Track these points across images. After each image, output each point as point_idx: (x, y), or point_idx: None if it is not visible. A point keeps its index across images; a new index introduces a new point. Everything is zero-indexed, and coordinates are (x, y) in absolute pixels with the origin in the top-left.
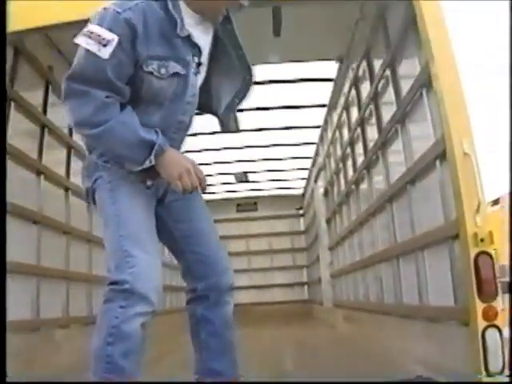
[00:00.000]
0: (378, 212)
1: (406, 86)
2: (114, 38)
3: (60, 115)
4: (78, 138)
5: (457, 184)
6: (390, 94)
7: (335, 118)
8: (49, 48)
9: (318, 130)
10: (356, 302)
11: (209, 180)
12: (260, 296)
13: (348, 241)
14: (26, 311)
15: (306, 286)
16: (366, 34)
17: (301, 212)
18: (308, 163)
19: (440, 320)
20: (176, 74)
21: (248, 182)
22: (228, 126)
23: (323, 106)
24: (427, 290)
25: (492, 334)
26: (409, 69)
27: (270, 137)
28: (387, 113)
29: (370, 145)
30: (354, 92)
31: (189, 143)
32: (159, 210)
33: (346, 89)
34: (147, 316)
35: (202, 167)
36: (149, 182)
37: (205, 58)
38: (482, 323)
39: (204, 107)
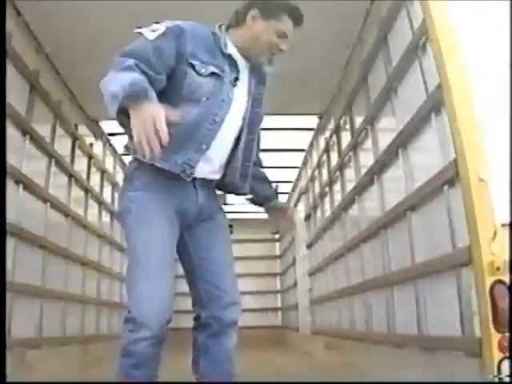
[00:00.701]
0: (370, 238)
1: (407, 110)
2: (161, 28)
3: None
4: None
5: (471, 211)
6: (388, 119)
7: (322, 141)
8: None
9: (300, 154)
10: (339, 330)
11: None
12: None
13: (332, 267)
14: None
15: (279, 312)
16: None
17: (277, 236)
18: (287, 187)
19: (441, 350)
20: (214, 74)
21: (225, 204)
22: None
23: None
24: (426, 318)
25: (507, 365)
26: (413, 93)
27: None
28: (384, 137)
29: (363, 170)
30: (347, 116)
31: None
32: (186, 235)
33: (336, 114)
34: (150, 340)
35: None
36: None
37: (245, 83)
38: (497, 354)
39: None
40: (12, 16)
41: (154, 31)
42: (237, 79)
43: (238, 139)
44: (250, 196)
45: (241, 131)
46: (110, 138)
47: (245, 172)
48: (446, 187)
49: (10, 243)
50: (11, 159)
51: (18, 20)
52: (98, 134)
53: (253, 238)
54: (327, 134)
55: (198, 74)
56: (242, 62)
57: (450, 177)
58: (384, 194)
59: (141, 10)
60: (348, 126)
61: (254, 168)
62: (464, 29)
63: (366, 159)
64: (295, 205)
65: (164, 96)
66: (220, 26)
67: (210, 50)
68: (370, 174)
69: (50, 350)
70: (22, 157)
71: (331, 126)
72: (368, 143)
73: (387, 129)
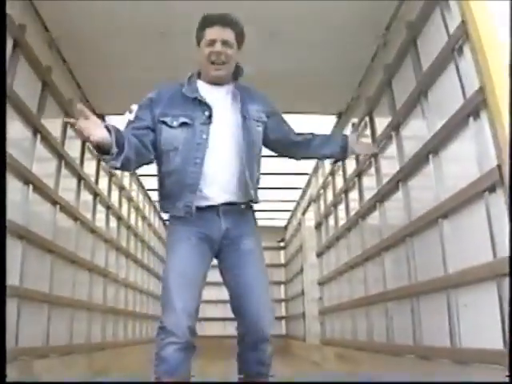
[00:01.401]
0: (393, 247)
1: (440, 115)
2: (136, 107)
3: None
4: None
5: None
6: (416, 124)
7: None
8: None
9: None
10: (353, 341)
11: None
12: (233, 329)
13: (347, 276)
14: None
15: (283, 321)
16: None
17: (282, 244)
18: (295, 194)
19: (477, 363)
20: (184, 124)
21: None
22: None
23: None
24: (460, 330)
25: None
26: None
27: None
28: (411, 143)
29: (385, 176)
30: (367, 121)
31: None
32: (220, 259)
33: (355, 117)
34: (177, 344)
35: None
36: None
37: (223, 109)
38: None
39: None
40: (26, 8)
41: (130, 112)
42: (210, 116)
43: (248, 157)
44: (332, 160)
45: (246, 149)
46: None
47: (251, 180)
48: (486, 193)
49: (18, 246)
50: (21, 158)
51: (30, 11)
52: None
53: None
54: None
55: (171, 127)
56: (213, 91)
57: (492, 183)
58: (411, 201)
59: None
60: (368, 131)
61: (308, 142)
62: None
63: (389, 166)
64: (303, 213)
65: (157, 154)
66: (192, 75)
67: (179, 103)
68: (395, 181)
69: (57, 359)
70: (33, 157)
71: (348, 131)
72: (392, 149)
73: (415, 134)
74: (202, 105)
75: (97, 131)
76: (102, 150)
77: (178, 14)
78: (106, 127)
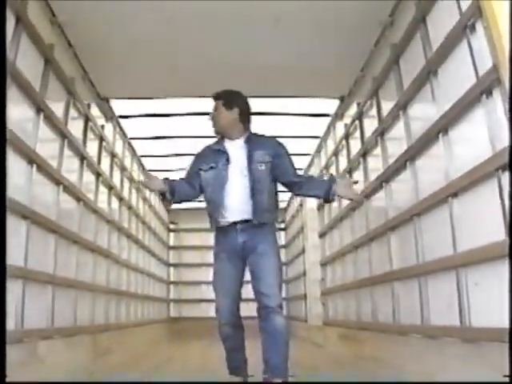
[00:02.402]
0: (400, 227)
1: (451, 93)
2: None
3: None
4: None
5: None
6: (425, 103)
7: (341, 127)
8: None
9: (312, 141)
10: (357, 321)
11: None
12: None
13: (351, 256)
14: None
15: (284, 302)
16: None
17: (282, 226)
18: None
19: (488, 342)
20: (211, 168)
21: None
22: None
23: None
24: (469, 309)
25: None
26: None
27: None
28: (420, 122)
29: (391, 157)
30: (373, 101)
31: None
32: (247, 263)
33: (359, 99)
34: (225, 324)
35: None
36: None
37: (238, 156)
38: None
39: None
40: None
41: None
42: (228, 158)
43: (252, 188)
44: (321, 200)
45: (250, 184)
46: (121, 120)
47: (258, 204)
48: (499, 172)
49: (23, 227)
50: (24, 138)
51: None
52: (109, 115)
53: None
54: (347, 120)
55: (204, 171)
56: (233, 145)
57: (505, 162)
58: (418, 181)
59: None
60: (374, 111)
61: (301, 183)
62: None
63: (396, 145)
64: None
65: (201, 189)
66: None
67: (210, 156)
68: (403, 161)
69: (61, 341)
70: (36, 136)
71: (352, 112)
72: (399, 128)
73: (423, 113)
74: (222, 153)
75: (156, 185)
76: (163, 196)
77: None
78: (164, 180)
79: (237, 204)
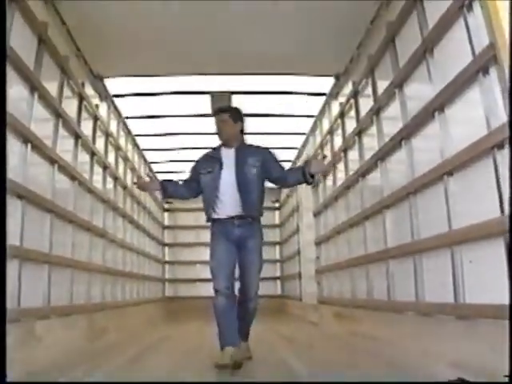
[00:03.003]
0: (395, 205)
1: (446, 72)
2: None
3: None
4: None
5: None
6: (422, 81)
7: (336, 106)
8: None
9: (307, 120)
10: (352, 299)
11: (187, 167)
12: None
13: (345, 235)
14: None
15: (278, 281)
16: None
17: (277, 205)
18: (290, 154)
19: (484, 319)
20: (209, 172)
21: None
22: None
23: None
24: (464, 286)
25: None
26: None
27: (255, 124)
28: (416, 101)
29: (387, 135)
30: (368, 79)
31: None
32: (238, 250)
33: (355, 77)
34: (222, 296)
35: None
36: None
37: (231, 163)
38: None
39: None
40: None
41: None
42: (221, 164)
43: (240, 189)
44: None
45: (238, 186)
46: (115, 99)
47: (248, 202)
48: (495, 150)
49: (18, 206)
50: (19, 116)
51: None
52: (103, 94)
53: None
54: (342, 99)
55: (203, 175)
56: (227, 152)
57: (501, 139)
58: (414, 159)
59: None
60: (369, 90)
61: (285, 175)
62: None
63: (392, 124)
64: None
65: (201, 190)
66: (218, 146)
67: (208, 162)
68: (398, 139)
69: (58, 320)
70: (31, 115)
71: (347, 90)
72: (395, 107)
73: (419, 92)
74: (217, 160)
75: (151, 188)
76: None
77: None
78: (161, 183)
79: (229, 200)
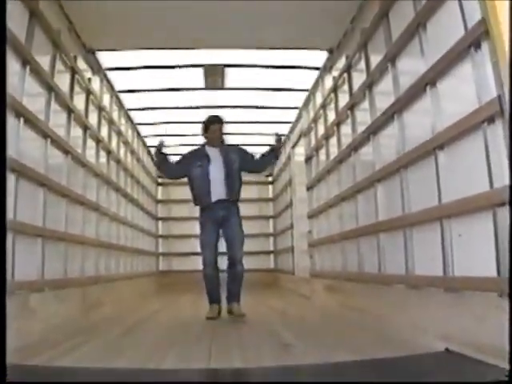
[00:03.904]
0: (386, 179)
1: (439, 46)
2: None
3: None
4: None
5: None
6: (414, 55)
7: (329, 80)
8: None
9: (300, 94)
10: (344, 272)
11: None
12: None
13: (337, 208)
14: None
15: (271, 255)
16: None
17: (270, 179)
18: (284, 129)
19: (471, 291)
20: (199, 166)
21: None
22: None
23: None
24: (453, 259)
25: None
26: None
27: (248, 98)
28: (408, 75)
29: (379, 109)
30: (361, 54)
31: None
32: (222, 228)
33: (348, 51)
34: (209, 267)
35: None
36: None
37: (217, 158)
38: None
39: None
40: None
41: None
42: (209, 159)
43: (227, 180)
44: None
45: (226, 177)
46: (108, 72)
47: (231, 190)
48: (485, 124)
49: (11, 180)
50: (10, 90)
51: None
52: (96, 68)
53: (245, 180)
54: (335, 73)
55: (194, 168)
56: (212, 150)
57: (491, 114)
58: (405, 134)
59: None
60: (362, 64)
61: (259, 161)
62: None
63: (384, 98)
64: (293, 147)
65: (190, 180)
66: (204, 144)
67: (197, 156)
68: (390, 113)
69: (52, 293)
70: (22, 89)
71: (340, 64)
72: (387, 81)
73: (412, 66)
74: (206, 155)
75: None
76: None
77: None
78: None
79: (216, 188)
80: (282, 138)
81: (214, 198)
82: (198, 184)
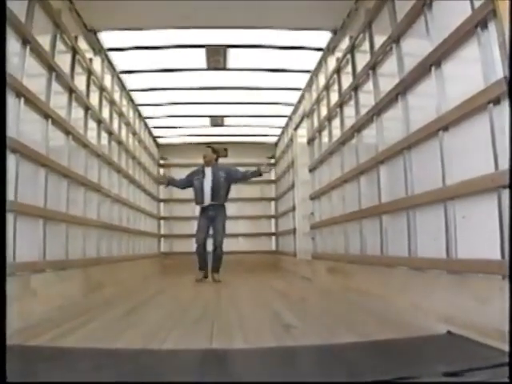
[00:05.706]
0: (390, 160)
1: (444, 26)
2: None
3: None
4: None
5: None
6: (419, 36)
7: (333, 61)
8: None
9: (302, 75)
10: (346, 254)
11: (182, 122)
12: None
13: (340, 190)
14: None
15: (273, 237)
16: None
17: (272, 161)
18: (287, 110)
19: (474, 273)
20: (197, 179)
21: (222, 126)
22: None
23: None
24: (456, 242)
25: None
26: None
27: (251, 79)
28: (412, 56)
29: (383, 90)
30: (366, 34)
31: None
32: (212, 223)
33: (352, 32)
34: (200, 247)
35: None
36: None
37: (209, 175)
38: None
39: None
40: None
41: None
42: (204, 175)
43: (213, 190)
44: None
45: (212, 188)
46: (109, 53)
47: (217, 196)
48: (491, 105)
49: (12, 160)
50: (11, 70)
51: None
52: (97, 48)
53: (247, 162)
54: (339, 54)
55: (195, 180)
56: (207, 169)
57: (497, 95)
58: (409, 115)
59: None
60: (367, 45)
61: (245, 175)
62: None
63: (388, 79)
64: (295, 128)
65: (194, 189)
66: (202, 166)
67: (197, 173)
68: (394, 94)
69: (54, 274)
70: (23, 68)
71: (344, 45)
72: (392, 62)
73: (417, 46)
74: (202, 172)
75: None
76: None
77: None
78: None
79: (207, 195)
80: (270, 168)
81: (206, 202)
82: (196, 192)
